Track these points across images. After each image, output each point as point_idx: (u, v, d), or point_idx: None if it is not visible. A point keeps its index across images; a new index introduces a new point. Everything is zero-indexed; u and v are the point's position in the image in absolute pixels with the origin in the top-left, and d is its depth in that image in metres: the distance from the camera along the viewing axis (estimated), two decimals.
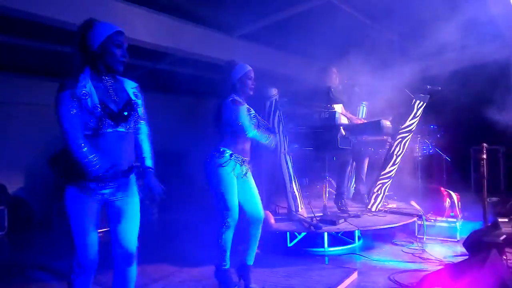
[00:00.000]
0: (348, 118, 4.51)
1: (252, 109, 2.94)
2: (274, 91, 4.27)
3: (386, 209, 4.53)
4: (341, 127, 4.32)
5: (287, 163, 4.28)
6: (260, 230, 2.89)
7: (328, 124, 4.26)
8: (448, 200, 4.40)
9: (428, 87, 4.52)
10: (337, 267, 3.39)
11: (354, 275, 3.17)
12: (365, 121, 4.79)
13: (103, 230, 2.04)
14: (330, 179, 4.94)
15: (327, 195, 4.60)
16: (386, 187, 4.56)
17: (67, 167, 1.96)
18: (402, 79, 4.60)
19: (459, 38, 4.40)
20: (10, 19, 3.82)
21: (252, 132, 2.79)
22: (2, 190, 5.41)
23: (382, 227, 3.99)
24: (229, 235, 2.81)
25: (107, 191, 2.01)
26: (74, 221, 1.96)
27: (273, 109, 4.23)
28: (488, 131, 4.84)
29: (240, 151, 2.86)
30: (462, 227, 4.27)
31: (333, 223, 3.92)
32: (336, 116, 4.23)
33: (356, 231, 4.10)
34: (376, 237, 4.34)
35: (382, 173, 4.53)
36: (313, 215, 4.12)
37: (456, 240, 4.09)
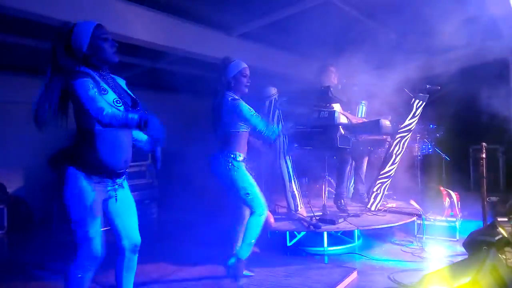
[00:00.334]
0: (347, 118, 4.51)
1: (251, 108, 2.92)
2: (273, 91, 4.26)
3: (385, 209, 4.53)
4: (341, 127, 4.31)
5: (286, 163, 4.28)
6: (262, 222, 2.93)
7: (328, 124, 4.26)
8: (447, 199, 4.39)
9: (428, 86, 4.51)
10: (337, 267, 3.39)
11: (354, 275, 3.17)
12: (365, 120, 4.79)
13: (104, 228, 2.04)
14: (330, 178, 4.95)
15: (327, 194, 4.60)
16: (386, 186, 4.55)
17: (82, 158, 1.94)
18: (401, 78, 4.60)
19: (459, 37, 4.40)
20: (9, 18, 3.81)
21: (261, 124, 2.78)
22: (2, 190, 5.41)
23: (381, 226, 3.99)
24: (260, 225, 2.88)
25: (111, 187, 2.04)
26: (76, 212, 1.93)
27: (272, 108, 4.23)
28: (487, 130, 4.85)
29: (246, 151, 2.94)
30: (462, 226, 4.26)
31: (333, 222, 3.92)
32: (336, 115, 4.22)
33: (356, 230, 4.10)
34: (376, 237, 4.34)
35: (382, 172, 4.53)
36: (312, 214, 4.12)
37: (455, 239, 4.09)
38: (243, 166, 2.91)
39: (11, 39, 4.74)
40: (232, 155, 2.86)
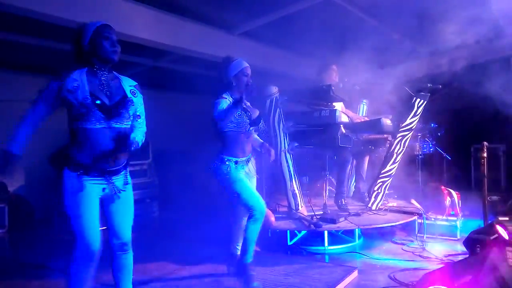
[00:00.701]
0: (348, 116, 4.51)
1: (241, 111, 2.80)
2: (274, 89, 4.27)
3: (386, 208, 4.53)
4: (342, 125, 4.31)
5: (287, 161, 4.28)
6: (260, 225, 2.86)
7: (329, 122, 4.26)
8: (448, 198, 4.39)
9: (429, 85, 4.51)
10: (337, 266, 3.39)
11: (354, 274, 3.17)
12: (366, 119, 4.79)
13: (102, 228, 2.06)
14: (331, 177, 4.95)
15: (327, 193, 4.60)
16: (387, 185, 4.56)
17: (72, 157, 2.04)
18: (402, 77, 4.59)
19: (460, 36, 4.39)
20: (10, 16, 3.81)
21: (219, 118, 2.67)
22: (3, 188, 5.41)
23: (382, 225, 3.99)
24: (258, 228, 2.80)
25: (105, 185, 2.08)
26: (71, 209, 2.01)
27: (273, 107, 4.23)
28: (488, 130, 4.83)
29: (242, 153, 2.84)
30: (463, 225, 4.27)
31: (333, 221, 3.92)
32: (337, 114, 4.22)
33: (357, 229, 4.10)
34: (377, 236, 4.34)
35: (383, 171, 4.52)
36: (313, 213, 4.12)
37: (456, 238, 4.09)
38: (235, 168, 2.81)
39: (13, 37, 4.75)
40: (223, 157, 2.80)
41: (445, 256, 3.57)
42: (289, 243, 4.11)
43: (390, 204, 4.72)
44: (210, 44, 5.22)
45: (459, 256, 3.47)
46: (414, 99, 4.47)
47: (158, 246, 4.23)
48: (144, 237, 4.57)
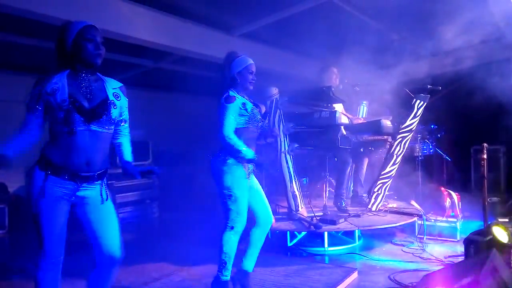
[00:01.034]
0: (348, 118, 4.51)
1: (253, 106, 2.74)
2: (274, 91, 4.27)
3: (386, 209, 4.53)
4: (342, 127, 4.32)
5: (287, 163, 4.28)
6: (265, 235, 2.81)
7: (329, 124, 4.26)
8: (448, 200, 4.39)
9: (429, 86, 4.51)
10: (337, 267, 3.39)
11: (354, 275, 3.17)
12: (366, 120, 4.79)
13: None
14: (330, 178, 4.95)
15: (327, 194, 4.60)
16: (387, 186, 4.56)
17: (45, 158, 1.99)
18: (402, 78, 4.60)
19: (460, 38, 4.40)
20: (8, 17, 3.82)
21: (226, 134, 2.53)
22: (3, 189, 5.41)
23: (382, 226, 3.99)
24: (235, 242, 2.65)
25: (80, 193, 2.00)
26: (36, 208, 1.94)
27: (273, 108, 4.23)
28: (488, 131, 4.83)
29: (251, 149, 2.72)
30: (462, 227, 4.27)
31: (333, 222, 3.92)
32: (337, 115, 4.23)
33: (356, 230, 4.10)
34: (376, 237, 4.34)
35: (383, 172, 4.53)
36: (313, 214, 4.12)
37: (456, 240, 4.09)
38: (237, 169, 2.66)
39: (11, 38, 4.75)
40: (225, 157, 2.65)
41: (445, 258, 3.57)
42: (289, 244, 4.11)
43: (390, 205, 4.72)
44: (210, 45, 5.22)
45: (459, 257, 3.47)
46: (414, 100, 4.47)
47: (158, 246, 4.22)
48: (144, 238, 4.58)
